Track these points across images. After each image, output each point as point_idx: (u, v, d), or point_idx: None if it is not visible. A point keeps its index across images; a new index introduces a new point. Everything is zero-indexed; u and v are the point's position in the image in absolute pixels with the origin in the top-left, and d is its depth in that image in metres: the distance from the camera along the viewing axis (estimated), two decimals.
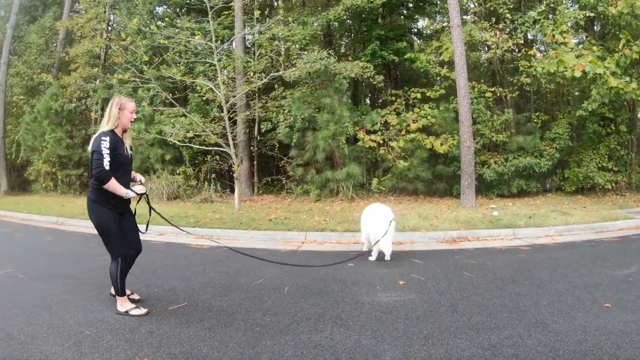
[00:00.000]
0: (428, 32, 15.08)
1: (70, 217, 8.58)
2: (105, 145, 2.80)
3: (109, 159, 2.80)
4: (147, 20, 12.04)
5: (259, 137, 11.48)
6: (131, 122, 3.07)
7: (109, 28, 14.80)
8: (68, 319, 3.02)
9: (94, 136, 2.91)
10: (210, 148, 9.58)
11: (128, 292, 3.24)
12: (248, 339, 2.62)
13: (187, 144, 9.44)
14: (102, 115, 12.26)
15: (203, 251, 5.41)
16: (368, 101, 15.16)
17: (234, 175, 8.84)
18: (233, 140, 8.96)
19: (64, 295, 3.57)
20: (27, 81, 15.73)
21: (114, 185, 2.85)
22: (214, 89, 8.90)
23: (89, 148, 2.87)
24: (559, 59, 9.45)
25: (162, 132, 10.01)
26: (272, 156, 11.62)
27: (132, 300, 3.22)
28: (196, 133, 9.63)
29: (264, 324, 2.84)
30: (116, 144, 2.89)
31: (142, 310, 3.06)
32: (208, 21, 8.98)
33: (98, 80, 12.50)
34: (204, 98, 10.43)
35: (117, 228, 2.99)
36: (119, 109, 2.95)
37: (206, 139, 9.97)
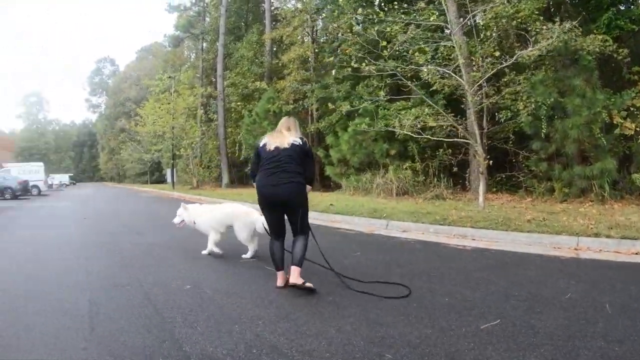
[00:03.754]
0: None
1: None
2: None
3: None
4: (355, 18, 12.57)
5: (487, 130, 10.84)
6: None
7: (315, 32, 16.14)
8: (349, 333, 2.48)
9: (304, 140, 3.49)
10: (444, 140, 9.38)
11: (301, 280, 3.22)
12: None
13: (424, 136, 9.39)
14: (319, 114, 13.46)
15: (468, 253, 4.93)
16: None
17: (480, 170, 8.48)
18: (480, 131, 8.61)
19: (333, 298, 3.14)
20: (242, 89, 18.41)
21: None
22: (454, 76, 8.66)
23: (304, 146, 3.41)
24: None
25: (388, 126, 10.24)
26: (503, 150, 10.83)
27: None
28: (427, 125, 9.51)
29: (616, 356, 2.17)
30: None
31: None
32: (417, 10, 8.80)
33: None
34: (432, 89, 10.26)
35: None
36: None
37: (436, 132, 9.81)
